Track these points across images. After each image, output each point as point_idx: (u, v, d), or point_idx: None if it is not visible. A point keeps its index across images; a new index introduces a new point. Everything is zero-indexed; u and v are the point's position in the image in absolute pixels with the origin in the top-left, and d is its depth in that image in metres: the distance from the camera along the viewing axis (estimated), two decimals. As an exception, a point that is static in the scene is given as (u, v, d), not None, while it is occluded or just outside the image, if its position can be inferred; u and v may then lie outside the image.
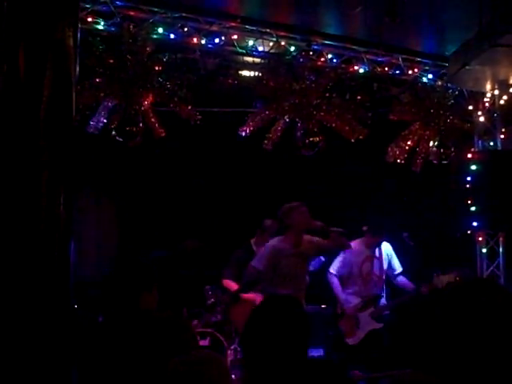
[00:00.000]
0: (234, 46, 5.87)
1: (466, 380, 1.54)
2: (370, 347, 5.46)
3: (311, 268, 5.56)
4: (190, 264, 4.90)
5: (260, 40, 5.93)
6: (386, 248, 5.81)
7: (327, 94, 5.97)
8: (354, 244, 5.45)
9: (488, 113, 6.76)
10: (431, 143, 6.45)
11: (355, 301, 5.60)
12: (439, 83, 6.53)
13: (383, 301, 5.71)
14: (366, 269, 5.64)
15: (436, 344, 1.71)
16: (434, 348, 1.75)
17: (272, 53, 5.99)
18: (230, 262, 5.97)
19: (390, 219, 6.93)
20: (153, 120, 5.47)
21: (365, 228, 5.67)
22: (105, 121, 5.33)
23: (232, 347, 6.23)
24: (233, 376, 6.12)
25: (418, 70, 6.52)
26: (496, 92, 6.53)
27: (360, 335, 5.56)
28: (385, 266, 5.73)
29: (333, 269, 5.65)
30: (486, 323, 1.54)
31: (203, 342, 5.73)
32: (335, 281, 5.63)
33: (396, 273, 5.78)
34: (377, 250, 5.75)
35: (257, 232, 6.04)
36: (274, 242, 4.93)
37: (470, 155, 6.54)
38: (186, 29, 5.64)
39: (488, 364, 1.54)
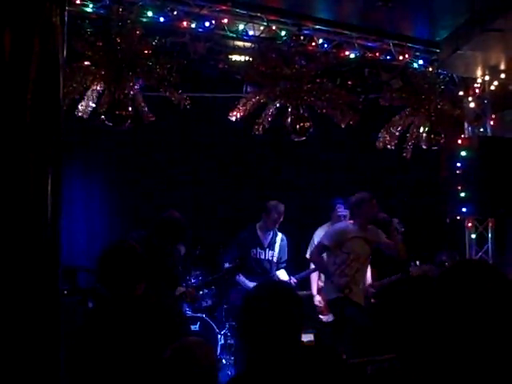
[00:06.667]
0: (225, 30, 5.80)
1: (458, 362, 1.54)
2: (342, 327, 5.58)
3: None
4: (171, 238, 4.82)
5: (250, 24, 5.87)
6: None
7: (318, 79, 5.93)
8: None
9: (478, 99, 6.75)
10: (421, 129, 6.44)
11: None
12: (430, 69, 6.50)
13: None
14: None
15: (426, 327, 1.70)
16: (423, 331, 1.74)
17: (263, 37, 5.93)
18: (232, 245, 6.01)
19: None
20: (142, 104, 5.41)
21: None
22: (93, 105, 5.27)
23: (222, 332, 6.24)
24: (223, 361, 6.15)
25: (409, 55, 6.48)
26: (487, 78, 6.53)
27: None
28: None
29: None
30: (478, 304, 1.53)
31: (194, 327, 5.74)
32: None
33: None
34: None
35: (262, 216, 6.00)
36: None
37: (460, 141, 6.55)
38: (175, 12, 5.56)
39: (479, 346, 1.53)
